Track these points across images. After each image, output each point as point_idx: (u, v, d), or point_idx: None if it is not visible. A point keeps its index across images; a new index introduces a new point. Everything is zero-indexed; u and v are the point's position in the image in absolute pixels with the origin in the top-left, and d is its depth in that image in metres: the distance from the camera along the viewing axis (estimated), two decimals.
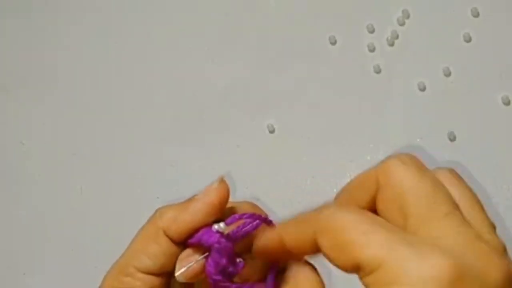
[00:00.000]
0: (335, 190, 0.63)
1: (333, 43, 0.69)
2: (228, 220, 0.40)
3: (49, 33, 0.76)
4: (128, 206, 0.68)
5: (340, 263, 0.34)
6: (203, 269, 0.40)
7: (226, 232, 0.40)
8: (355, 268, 0.33)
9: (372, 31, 0.68)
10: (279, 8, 0.71)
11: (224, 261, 0.40)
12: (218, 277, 0.40)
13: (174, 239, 0.41)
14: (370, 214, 0.34)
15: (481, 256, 0.32)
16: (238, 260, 0.41)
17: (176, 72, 0.71)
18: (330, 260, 0.34)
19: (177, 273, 0.41)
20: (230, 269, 0.40)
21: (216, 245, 0.39)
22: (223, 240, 0.40)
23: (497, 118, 0.65)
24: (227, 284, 0.40)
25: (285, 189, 0.65)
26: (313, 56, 0.69)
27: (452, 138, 0.64)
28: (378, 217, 0.34)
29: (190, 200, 0.42)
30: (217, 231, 0.40)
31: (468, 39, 0.66)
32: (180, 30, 0.73)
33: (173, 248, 0.42)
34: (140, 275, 0.42)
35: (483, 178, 0.63)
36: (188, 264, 0.41)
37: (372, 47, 0.68)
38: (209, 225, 0.41)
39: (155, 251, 0.42)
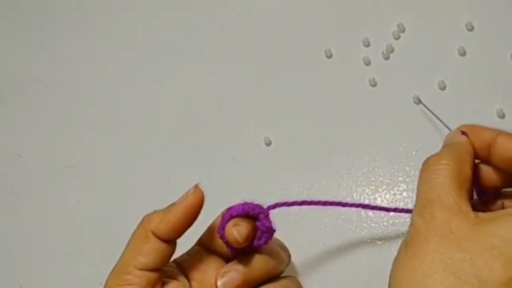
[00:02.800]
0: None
1: (329, 56, 0.69)
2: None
3: (47, 46, 0.76)
4: (125, 219, 0.67)
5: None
6: (251, 232, 0.50)
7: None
8: None
9: (367, 44, 0.69)
10: (275, 22, 0.72)
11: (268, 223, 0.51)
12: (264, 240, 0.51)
13: (162, 237, 0.49)
14: None
15: None
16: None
17: (172, 84, 0.72)
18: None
19: (234, 231, 0.49)
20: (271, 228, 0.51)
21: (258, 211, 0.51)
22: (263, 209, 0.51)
23: None
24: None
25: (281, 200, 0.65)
26: (309, 69, 0.69)
27: None
28: None
29: (171, 205, 0.50)
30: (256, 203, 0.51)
31: (462, 53, 0.67)
32: (176, 43, 0.73)
33: (162, 245, 0.49)
34: (138, 272, 0.48)
35: None
36: (241, 224, 0.49)
37: (368, 60, 0.68)
38: None
39: (148, 250, 0.49)
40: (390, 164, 0.65)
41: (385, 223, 0.63)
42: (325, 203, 0.55)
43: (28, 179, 0.72)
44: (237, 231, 0.49)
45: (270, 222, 0.51)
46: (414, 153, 0.65)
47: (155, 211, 0.51)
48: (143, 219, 0.51)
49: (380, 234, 0.62)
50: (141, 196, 0.68)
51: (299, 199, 0.54)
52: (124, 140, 0.71)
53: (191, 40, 0.73)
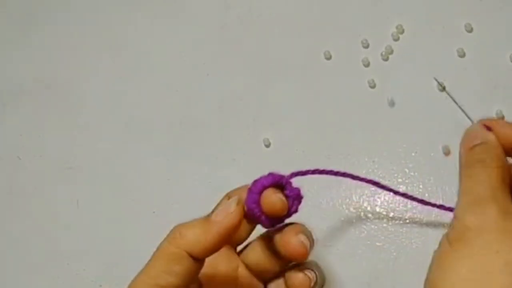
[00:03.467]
0: (330, 204, 0.64)
1: (328, 58, 0.69)
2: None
3: (45, 48, 0.76)
4: (125, 221, 0.68)
5: None
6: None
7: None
8: None
9: (366, 46, 0.69)
10: (275, 23, 0.72)
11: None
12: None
13: (197, 257, 0.45)
14: None
15: None
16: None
17: (172, 86, 0.72)
18: None
19: (274, 196, 0.48)
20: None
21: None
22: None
23: None
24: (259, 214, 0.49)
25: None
26: (308, 71, 0.69)
27: (447, 152, 0.64)
28: None
29: (210, 222, 0.46)
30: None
31: (462, 54, 0.67)
32: (176, 45, 0.73)
33: (196, 265, 0.45)
34: None
35: None
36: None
37: (367, 62, 0.68)
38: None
39: (180, 271, 0.45)
40: (389, 166, 0.65)
41: (384, 225, 0.63)
42: (347, 175, 0.56)
43: (27, 180, 0.72)
44: (280, 198, 0.48)
45: (298, 189, 0.50)
46: (413, 154, 0.65)
47: (188, 225, 0.46)
48: (173, 231, 0.46)
49: (380, 236, 0.62)
50: (140, 197, 0.69)
51: (320, 167, 0.53)
52: (123, 141, 0.71)
53: (190, 41, 0.73)
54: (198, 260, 0.46)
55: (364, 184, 0.65)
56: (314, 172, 0.53)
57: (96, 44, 0.75)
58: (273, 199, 0.48)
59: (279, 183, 0.50)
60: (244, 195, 0.49)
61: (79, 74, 0.74)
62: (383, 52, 0.68)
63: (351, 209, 0.64)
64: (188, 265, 0.45)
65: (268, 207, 0.48)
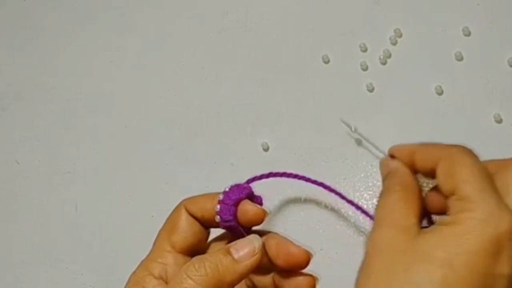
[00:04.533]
0: (329, 207, 0.64)
1: (327, 62, 0.69)
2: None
3: (45, 52, 0.76)
4: (123, 224, 0.68)
5: (445, 185, 0.42)
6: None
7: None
8: (452, 193, 0.41)
9: (365, 50, 0.69)
10: (273, 27, 0.72)
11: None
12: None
13: (196, 215, 0.49)
14: (487, 171, 0.42)
15: None
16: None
17: (170, 90, 0.72)
18: (440, 181, 0.43)
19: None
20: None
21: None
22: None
23: (489, 136, 0.65)
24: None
25: (280, 206, 0.66)
26: (307, 75, 0.69)
27: None
28: (489, 175, 0.42)
29: (234, 261, 0.46)
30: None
31: (460, 58, 0.67)
32: (175, 49, 0.73)
33: (196, 225, 0.49)
34: (173, 253, 0.48)
35: None
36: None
37: (365, 65, 0.68)
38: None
39: (183, 226, 0.49)
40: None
41: None
42: (300, 177, 0.57)
43: (25, 185, 0.72)
44: (260, 209, 0.49)
45: (261, 197, 0.52)
46: None
47: (211, 259, 0.46)
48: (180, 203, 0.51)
49: None
50: (139, 201, 0.69)
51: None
52: (122, 146, 0.71)
53: (189, 46, 0.73)
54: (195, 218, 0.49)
55: (362, 188, 0.65)
56: (269, 175, 0.55)
57: (94, 48, 0.75)
58: (254, 210, 0.49)
59: (250, 194, 0.51)
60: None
61: (78, 78, 0.74)
62: (381, 56, 0.68)
63: (350, 212, 0.64)
64: (188, 221, 0.49)
65: (249, 218, 0.49)
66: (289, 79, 0.70)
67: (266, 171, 0.55)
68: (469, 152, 0.43)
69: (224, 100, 0.70)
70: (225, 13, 0.73)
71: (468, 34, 0.68)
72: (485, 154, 0.65)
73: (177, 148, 0.70)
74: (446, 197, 0.42)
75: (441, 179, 0.43)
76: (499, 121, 0.65)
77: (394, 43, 0.68)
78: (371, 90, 0.68)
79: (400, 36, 0.69)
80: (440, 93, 0.66)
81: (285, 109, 0.69)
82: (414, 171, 0.46)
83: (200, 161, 0.69)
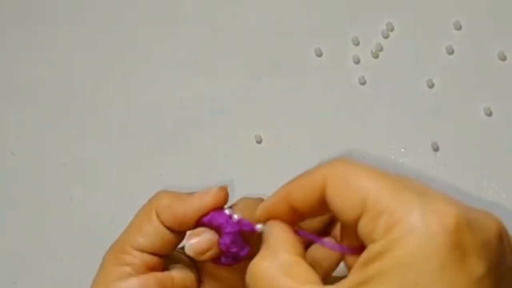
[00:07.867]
0: None
1: (319, 55, 0.70)
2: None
3: (39, 43, 0.76)
4: (118, 216, 0.68)
5: (346, 205, 0.33)
6: (211, 247, 0.43)
7: (235, 216, 0.43)
8: (360, 212, 0.32)
9: (357, 43, 0.69)
10: (266, 20, 0.72)
11: (229, 242, 0.42)
12: (227, 260, 0.43)
13: (164, 223, 0.44)
14: (380, 169, 0.35)
15: (480, 212, 0.34)
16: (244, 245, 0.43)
17: (164, 83, 0.72)
18: (337, 207, 0.34)
19: (186, 244, 0.43)
20: (235, 250, 0.43)
21: (224, 225, 0.42)
22: (231, 222, 0.43)
23: (480, 129, 0.66)
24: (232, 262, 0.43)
25: None
26: (299, 68, 0.70)
27: (436, 149, 0.65)
28: (390, 173, 0.34)
29: (189, 194, 0.44)
30: (228, 214, 0.43)
31: (450, 52, 0.67)
32: (168, 43, 0.73)
33: (166, 231, 0.44)
34: (136, 253, 0.44)
35: (466, 187, 0.64)
36: (197, 239, 0.43)
37: (357, 59, 0.69)
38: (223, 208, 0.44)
39: (148, 230, 0.44)
40: (378, 162, 0.65)
41: None
42: None
43: (21, 176, 0.72)
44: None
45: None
46: (402, 150, 0.65)
47: (170, 192, 0.45)
48: (157, 193, 0.46)
49: None
50: (133, 193, 0.69)
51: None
52: (117, 137, 0.71)
53: (182, 39, 0.73)
54: (167, 227, 0.44)
55: None
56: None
57: (91, 43, 0.75)
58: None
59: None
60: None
61: (73, 70, 0.74)
62: (373, 49, 0.69)
63: None
64: (157, 226, 0.44)
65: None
66: (281, 72, 0.70)
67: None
68: (352, 159, 0.35)
69: (217, 92, 0.71)
70: (219, 7, 0.73)
71: (459, 28, 0.68)
72: (475, 147, 0.66)
73: (171, 140, 0.70)
74: (355, 225, 0.33)
75: (338, 201, 0.34)
76: (489, 114, 0.65)
77: (386, 37, 0.69)
78: (363, 83, 0.68)
79: (392, 30, 0.69)
80: (431, 86, 0.67)
81: (278, 102, 0.69)
82: (299, 216, 0.38)
83: (193, 153, 0.69)
